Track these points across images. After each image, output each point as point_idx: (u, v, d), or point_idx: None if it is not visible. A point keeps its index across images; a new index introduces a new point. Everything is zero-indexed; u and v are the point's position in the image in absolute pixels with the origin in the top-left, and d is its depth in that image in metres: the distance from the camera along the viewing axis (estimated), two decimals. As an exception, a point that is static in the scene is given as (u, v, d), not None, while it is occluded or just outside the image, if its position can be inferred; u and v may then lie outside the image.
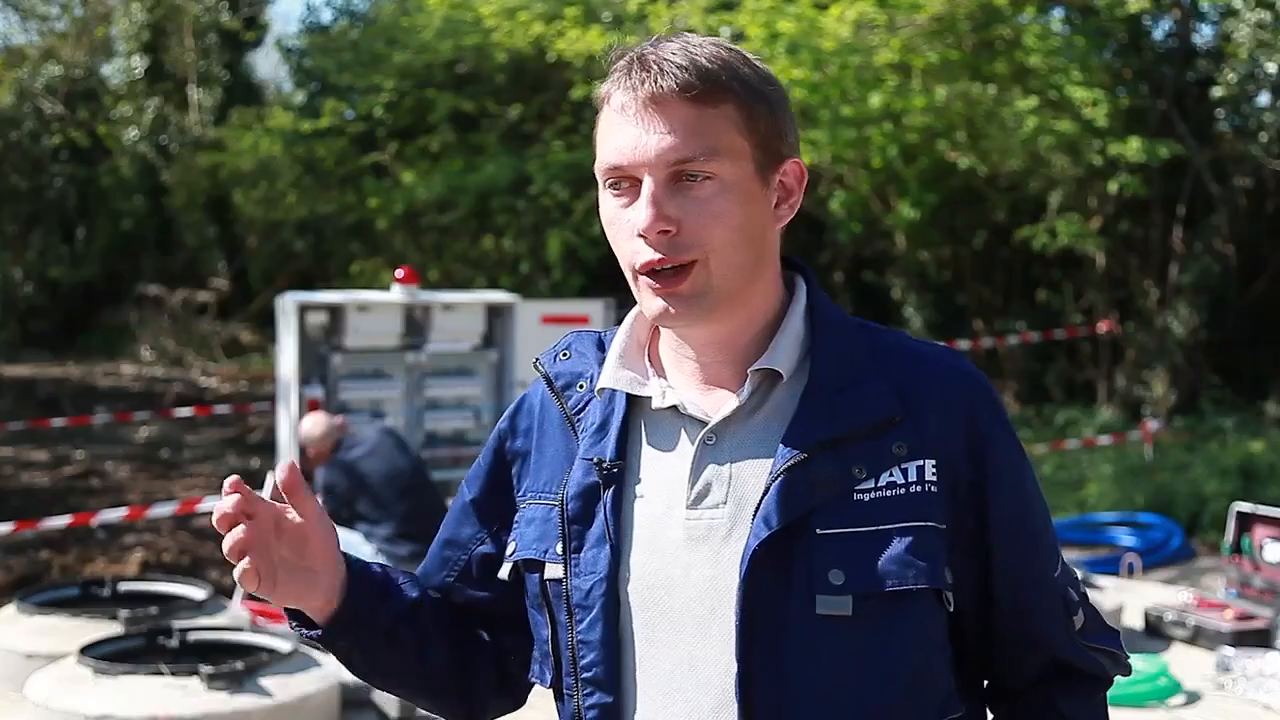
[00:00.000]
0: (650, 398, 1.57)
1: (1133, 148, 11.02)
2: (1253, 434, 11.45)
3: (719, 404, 1.55)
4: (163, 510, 8.02)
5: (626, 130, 1.49)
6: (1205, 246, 12.71)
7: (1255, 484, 9.70)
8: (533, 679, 1.66)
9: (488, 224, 15.11)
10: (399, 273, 8.33)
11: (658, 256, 1.48)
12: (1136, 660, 5.80)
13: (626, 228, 1.50)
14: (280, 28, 35.43)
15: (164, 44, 20.32)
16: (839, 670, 1.47)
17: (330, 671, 5.21)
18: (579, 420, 1.60)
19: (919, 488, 1.49)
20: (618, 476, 1.55)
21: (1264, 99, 12.07)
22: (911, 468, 1.49)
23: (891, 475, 1.49)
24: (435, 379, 8.31)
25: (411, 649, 1.67)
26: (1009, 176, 12.93)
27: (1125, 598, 6.72)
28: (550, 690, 1.63)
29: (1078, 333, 13.24)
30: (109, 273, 20.51)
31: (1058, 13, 12.88)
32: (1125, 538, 9.14)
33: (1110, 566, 8.18)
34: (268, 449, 10.99)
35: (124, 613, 5.64)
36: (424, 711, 5.58)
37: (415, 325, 8.32)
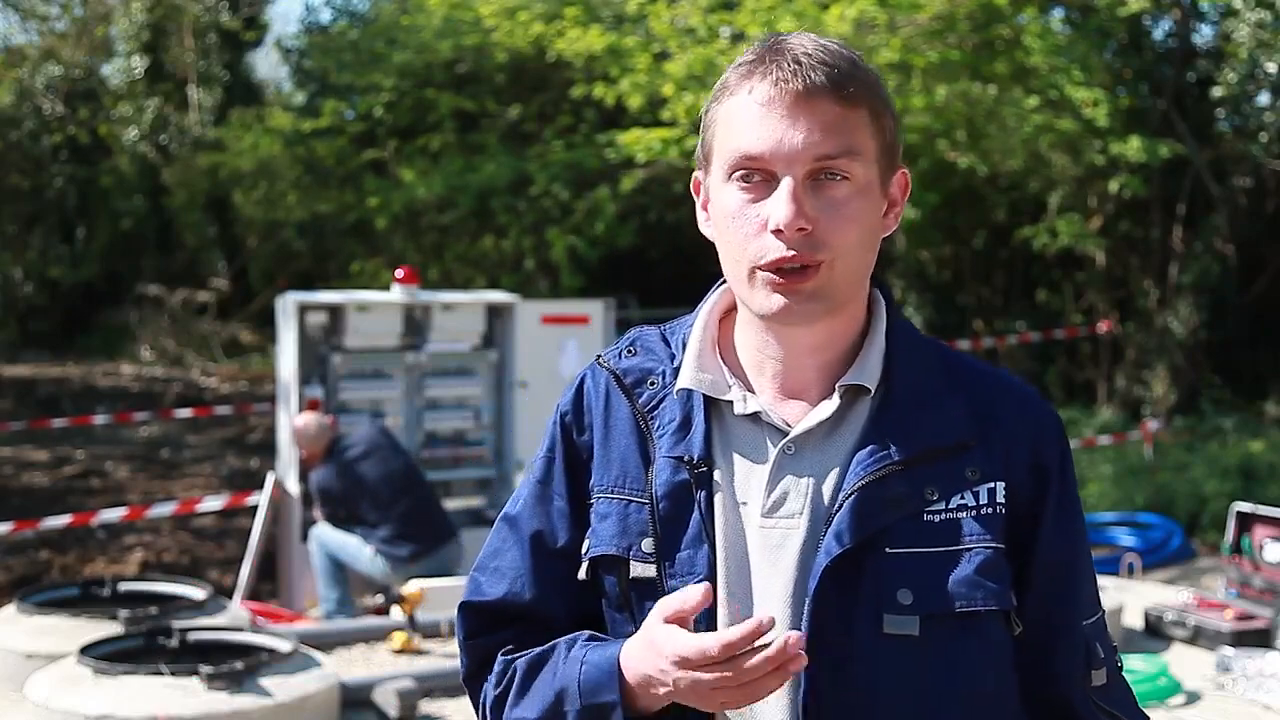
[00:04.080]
0: (730, 402, 1.55)
1: (1133, 147, 11.02)
2: (1253, 434, 11.45)
3: (798, 413, 1.54)
4: (163, 510, 8.03)
5: (770, 122, 1.46)
6: (1205, 246, 12.72)
7: (1255, 484, 9.71)
8: None
9: (488, 224, 15.10)
10: (399, 273, 8.33)
11: (791, 254, 1.46)
12: (1136, 660, 5.80)
13: (754, 223, 1.48)
14: (280, 28, 35.51)
15: (164, 44, 20.31)
16: (906, 691, 1.46)
17: (330, 671, 5.21)
18: (653, 418, 1.57)
19: (989, 509, 1.49)
20: (707, 476, 1.53)
21: (1264, 99, 12.07)
22: (983, 490, 1.49)
23: (963, 498, 1.49)
24: (435, 379, 8.31)
25: None
26: (1009, 176, 12.93)
27: (1125, 598, 6.72)
28: None
29: (1078, 333, 13.25)
30: (109, 273, 20.50)
31: (1058, 13, 12.88)
32: (1125, 538, 9.14)
33: (1110, 566, 8.17)
34: (268, 449, 10.99)
35: (124, 613, 5.63)
36: (424, 712, 5.58)
37: (415, 325, 8.32)
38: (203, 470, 11.63)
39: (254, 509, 7.82)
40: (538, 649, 1.59)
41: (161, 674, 4.83)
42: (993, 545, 1.48)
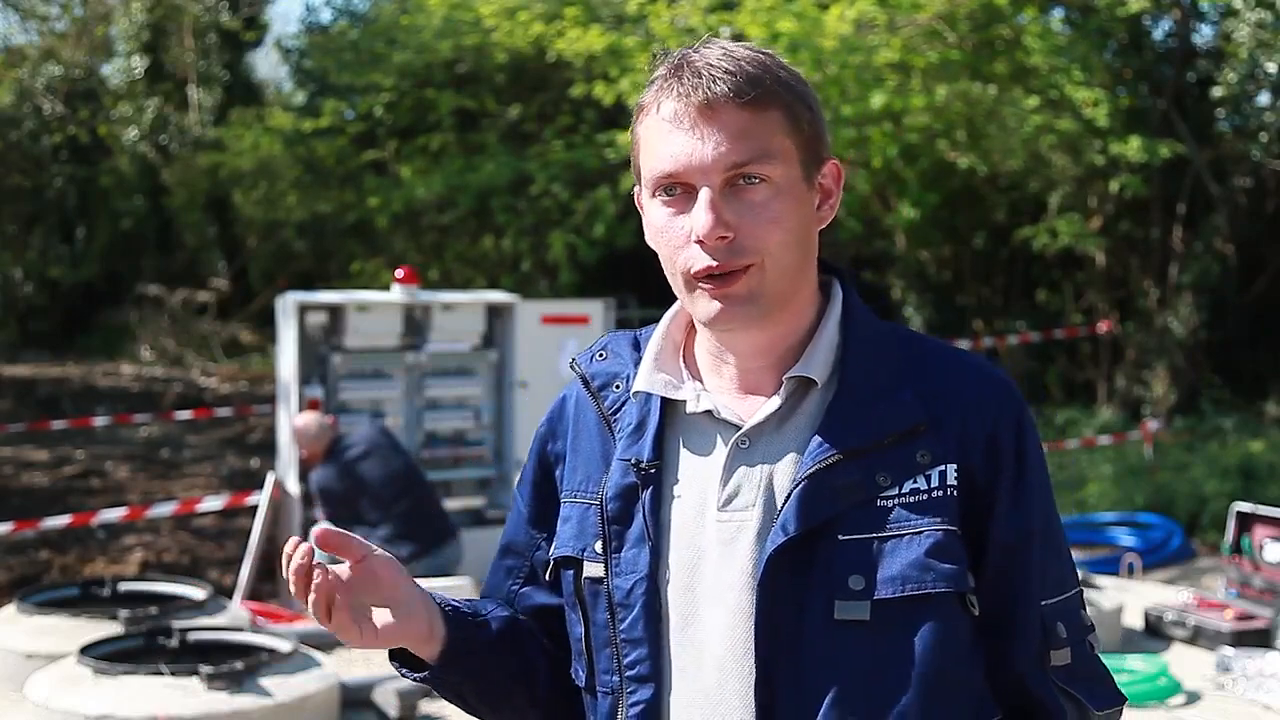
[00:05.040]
0: (685, 401, 1.59)
1: (1133, 147, 11.03)
2: (1253, 434, 11.46)
3: (753, 408, 1.57)
4: (163, 510, 8.02)
5: (679, 138, 1.50)
6: (1205, 246, 12.72)
7: (1255, 484, 9.71)
8: (573, 676, 1.66)
9: (488, 224, 15.11)
10: (399, 273, 8.33)
11: (715, 263, 1.49)
12: (1136, 660, 5.81)
13: (680, 235, 1.51)
14: (280, 28, 35.55)
15: (164, 44, 20.32)
16: (859, 675, 1.48)
17: (330, 672, 5.21)
18: (615, 420, 1.62)
19: (940, 492, 1.50)
20: (655, 477, 1.57)
21: (1264, 99, 12.07)
22: (934, 474, 1.51)
23: (915, 482, 1.50)
24: (435, 379, 8.31)
25: (519, 669, 1.68)
26: (1009, 176, 12.94)
27: (1125, 598, 6.72)
28: (584, 688, 1.64)
29: (1078, 333, 13.25)
30: (109, 273, 20.50)
31: (1058, 13, 12.88)
32: (1125, 538, 9.14)
33: (1110, 566, 8.18)
34: (268, 449, 10.99)
35: (124, 613, 5.64)
36: (424, 712, 5.58)
37: (415, 325, 8.32)
38: (203, 470, 11.63)
39: (254, 509, 7.82)
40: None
41: (161, 674, 4.83)
42: (943, 528, 1.49)
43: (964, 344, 12.56)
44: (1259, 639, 6.24)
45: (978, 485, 1.52)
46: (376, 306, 8.16)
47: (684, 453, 1.58)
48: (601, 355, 1.67)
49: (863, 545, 1.48)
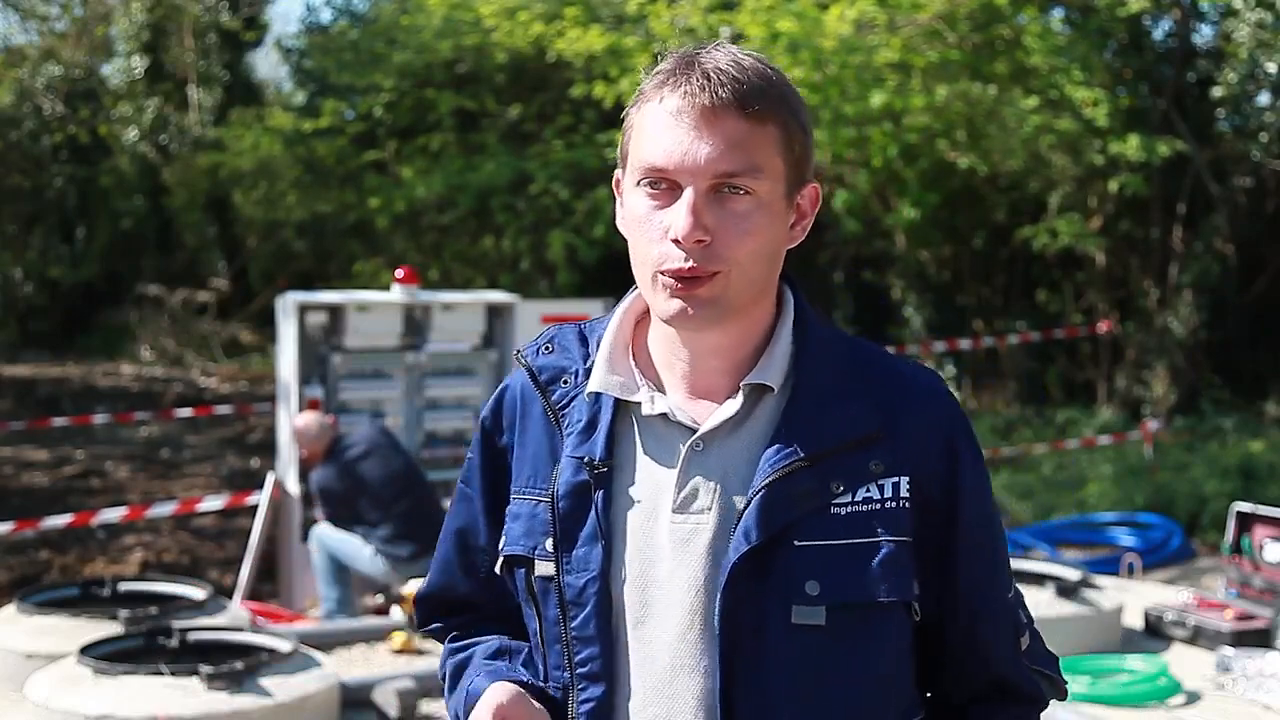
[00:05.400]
0: (639, 402, 1.60)
1: (1133, 146, 11.03)
2: (1253, 434, 11.46)
3: (707, 411, 1.58)
4: (163, 510, 8.03)
5: (676, 134, 1.50)
6: (1205, 246, 12.72)
7: (1255, 484, 9.71)
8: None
9: (487, 223, 15.11)
10: (399, 273, 8.33)
11: (688, 265, 1.50)
12: (1136, 660, 5.81)
13: (658, 229, 1.52)
14: (280, 28, 35.50)
15: (164, 44, 20.30)
16: (813, 678, 1.52)
17: (330, 671, 5.21)
18: (564, 416, 1.62)
19: (894, 504, 1.54)
20: (607, 477, 1.58)
21: (1264, 99, 12.07)
22: (888, 484, 1.54)
23: (868, 491, 1.54)
24: (435, 379, 8.31)
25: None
26: (1009, 176, 12.93)
27: (1125, 598, 6.72)
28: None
29: (1078, 333, 13.25)
30: (109, 273, 20.49)
31: (1058, 13, 12.88)
32: (1125, 538, 9.14)
33: (1110, 566, 8.17)
34: (268, 449, 10.99)
35: (124, 613, 5.63)
36: (424, 712, 5.58)
37: (415, 325, 8.32)
38: (203, 470, 11.63)
39: (254, 509, 7.82)
40: (465, 650, 1.74)
41: (161, 674, 4.83)
42: (896, 539, 1.53)
43: (964, 344, 12.56)
44: (1259, 639, 6.23)
45: (933, 494, 1.56)
46: (376, 306, 8.16)
47: (638, 454, 1.59)
48: (548, 349, 1.67)
49: (819, 551, 1.51)
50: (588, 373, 1.63)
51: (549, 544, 1.59)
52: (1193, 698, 5.66)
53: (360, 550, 6.99)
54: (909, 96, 10.87)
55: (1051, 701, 1.69)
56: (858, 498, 1.53)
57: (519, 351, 1.69)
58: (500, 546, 1.66)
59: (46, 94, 19.52)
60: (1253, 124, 12.25)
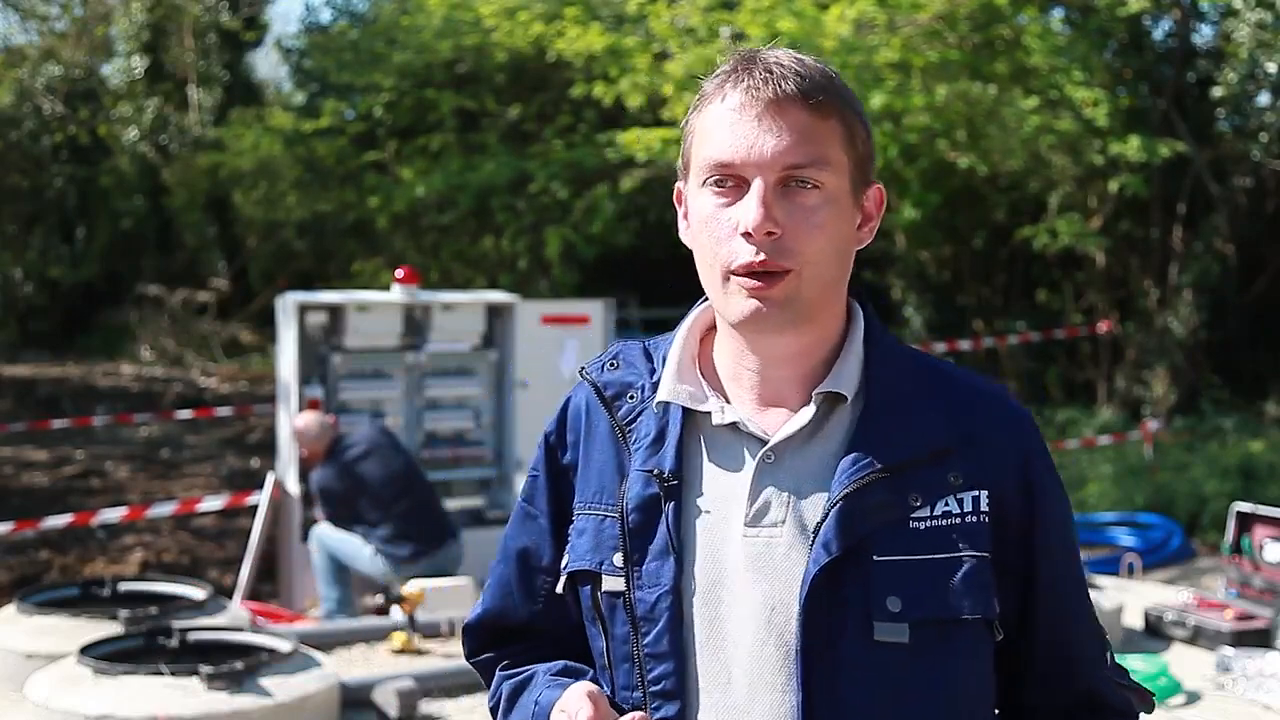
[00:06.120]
0: (708, 413, 1.57)
1: (1133, 146, 11.02)
2: (1253, 434, 11.46)
3: (777, 422, 1.55)
4: (163, 510, 8.03)
5: (741, 129, 1.49)
6: (1205, 246, 12.72)
7: (1255, 484, 9.71)
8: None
9: (487, 223, 15.11)
10: (399, 273, 8.33)
11: (760, 259, 1.48)
12: (1136, 660, 5.80)
13: (726, 227, 1.50)
14: (280, 28, 35.53)
15: (164, 44, 20.30)
16: (893, 696, 1.48)
17: (330, 671, 5.21)
18: (630, 431, 1.60)
19: (974, 518, 1.51)
20: (677, 489, 1.55)
21: (1264, 99, 12.07)
22: (967, 498, 1.51)
23: (947, 504, 1.51)
24: (435, 379, 8.31)
25: None
26: (1009, 176, 12.93)
27: (1125, 598, 6.72)
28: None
29: (1078, 333, 13.25)
30: (109, 273, 20.48)
31: (1058, 13, 12.88)
32: (1125, 538, 9.14)
33: (1110, 566, 8.18)
34: (268, 449, 10.99)
35: (124, 613, 5.63)
36: (424, 712, 5.58)
37: (415, 325, 8.32)
38: (203, 470, 11.63)
39: (254, 509, 7.82)
40: (523, 673, 1.68)
41: (161, 674, 4.83)
42: (978, 554, 1.50)
43: (964, 344, 12.56)
44: (1259, 639, 6.24)
45: (1011, 513, 1.54)
46: (376, 306, 8.16)
47: (707, 465, 1.56)
48: (613, 365, 1.65)
49: (899, 567, 1.48)
50: (654, 387, 1.60)
51: (617, 558, 1.56)
52: (1193, 698, 5.66)
53: (360, 550, 6.99)
54: (909, 96, 10.87)
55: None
56: (936, 511, 1.50)
57: (583, 368, 1.67)
58: (564, 565, 1.63)
59: (46, 94, 19.52)
60: (1253, 124, 12.25)
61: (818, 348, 1.56)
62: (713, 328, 1.63)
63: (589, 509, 1.61)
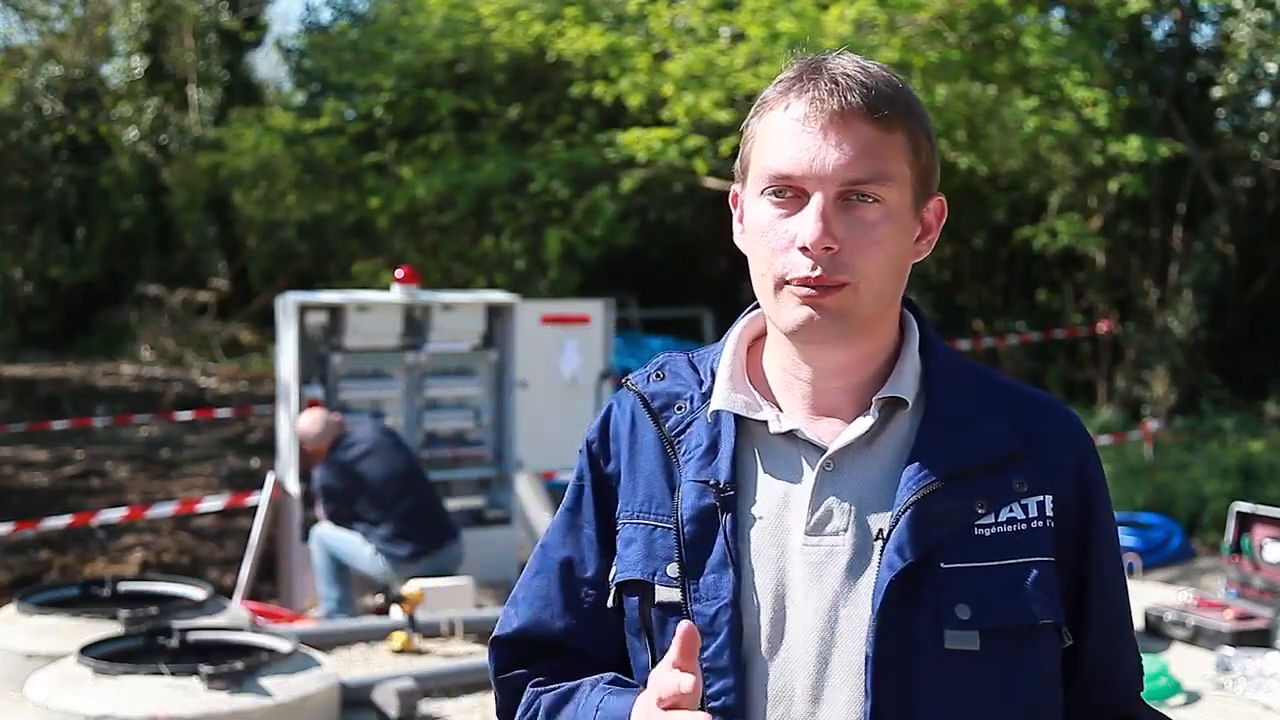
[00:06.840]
0: (764, 422, 1.55)
1: (1133, 146, 11.03)
2: (1253, 434, 11.46)
3: (832, 431, 1.54)
4: (163, 510, 8.03)
5: (804, 140, 1.47)
6: (1205, 246, 12.72)
7: (1255, 484, 9.71)
8: None
9: (487, 223, 15.11)
10: (399, 273, 8.33)
11: (816, 273, 1.46)
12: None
13: (783, 238, 1.48)
14: (280, 28, 35.52)
15: (164, 44, 20.30)
16: (968, 705, 1.47)
17: (330, 671, 5.21)
18: (680, 442, 1.57)
19: (1039, 523, 1.51)
20: (733, 500, 1.53)
21: (1264, 99, 12.07)
22: (1031, 503, 1.51)
23: (1012, 511, 1.50)
24: (435, 379, 8.31)
25: None
26: (1009, 176, 12.94)
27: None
28: None
29: (1078, 333, 13.25)
30: (109, 273, 20.48)
31: (1058, 13, 12.88)
32: (1125, 538, 9.13)
33: (1110, 566, 8.16)
34: (268, 449, 10.99)
35: (124, 613, 5.63)
36: (424, 712, 5.58)
37: (415, 325, 8.32)
38: (203, 470, 11.63)
39: (254, 509, 7.82)
40: (564, 685, 1.61)
41: (161, 674, 4.83)
42: (1044, 559, 1.50)
43: (964, 344, 12.56)
44: (1259, 639, 6.24)
45: (1070, 520, 1.53)
46: (376, 306, 8.16)
47: (762, 475, 1.54)
48: (659, 375, 1.63)
49: (967, 574, 1.47)
50: (704, 398, 1.58)
51: (671, 569, 1.53)
52: (1193, 698, 5.66)
53: (360, 549, 6.99)
54: (909, 96, 10.85)
55: None
56: (1001, 518, 1.49)
57: (628, 380, 1.65)
58: (612, 575, 1.59)
59: (46, 94, 19.52)
60: (1253, 124, 12.25)
61: (871, 359, 1.55)
62: (760, 336, 1.62)
63: (637, 519, 1.58)
